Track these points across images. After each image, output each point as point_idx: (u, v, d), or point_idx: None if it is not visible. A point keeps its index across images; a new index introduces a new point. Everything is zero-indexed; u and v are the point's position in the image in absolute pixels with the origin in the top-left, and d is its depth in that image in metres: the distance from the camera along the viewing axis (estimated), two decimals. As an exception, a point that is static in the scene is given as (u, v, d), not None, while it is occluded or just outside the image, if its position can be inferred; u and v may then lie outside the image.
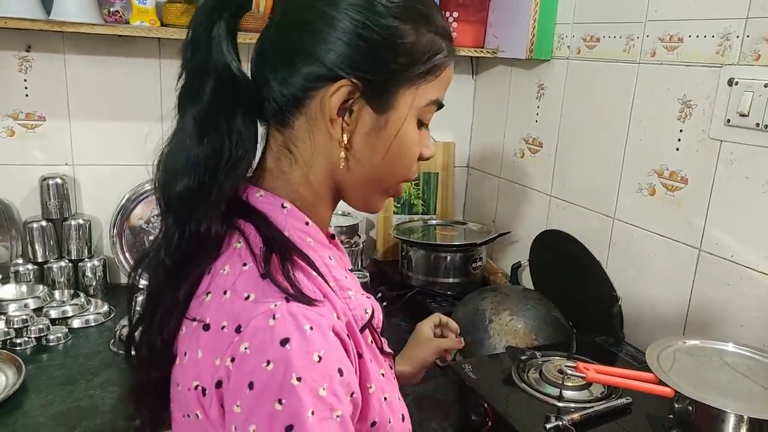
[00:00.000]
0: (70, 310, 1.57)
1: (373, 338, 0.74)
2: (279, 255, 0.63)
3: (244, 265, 0.64)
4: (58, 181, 1.65)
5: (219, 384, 0.60)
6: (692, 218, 1.29)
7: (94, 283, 1.71)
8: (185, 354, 0.64)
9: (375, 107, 0.67)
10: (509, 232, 1.81)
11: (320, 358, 0.58)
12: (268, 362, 0.57)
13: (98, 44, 1.63)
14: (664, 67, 1.33)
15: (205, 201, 0.65)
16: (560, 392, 1.16)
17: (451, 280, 1.74)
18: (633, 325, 1.44)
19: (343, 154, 0.67)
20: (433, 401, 1.31)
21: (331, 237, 0.83)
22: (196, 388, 0.62)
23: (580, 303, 1.52)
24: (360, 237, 1.87)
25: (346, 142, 0.67)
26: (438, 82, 0.70)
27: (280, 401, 0.56)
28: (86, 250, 1.71)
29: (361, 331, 0.70)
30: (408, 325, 1.61)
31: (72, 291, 1.66)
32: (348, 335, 0.65)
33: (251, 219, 0.67)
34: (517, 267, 1.74)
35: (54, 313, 1.54)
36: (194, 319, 0.64)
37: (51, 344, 1.43)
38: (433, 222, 1.96)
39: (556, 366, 1.25)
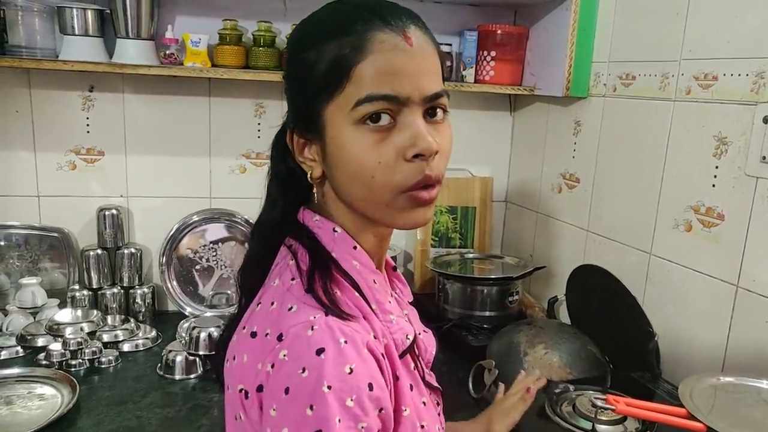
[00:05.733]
0: (120, 335, 1.64)
1: (416, 366, 0.76)
2: (322, 272, 0.69)
3: (292, 279, 0.70)
4: (114, 212, 1.74)
5: (260, 388, 0.64)
6: (729, 255, 1.29)
7: (143, 310, 1.79)
8: (234, 358, 0.69)
9: (311, 137, 0.72)
10: (545, 267, 1.82)
11: (351, 370, 0.61)
12: (304, 369, 0.61)
13: (154, 84, 1.74)
14: (700, 105, 1.35)
15: (273, 228, 0.77)
16: (593, 426, 1.17)
17: (487, 314, 1.75)
18: (670, 361, 1.43)
19: (315, 188, 0.74)
20: (468, 433, 1.32)
21: (393, 269, 0.88)
22: (240, 390, 0.67)
23: (616, 338, 1.52)
24: (397, 269, 1.90)
25: (316, 176, 0.73)
26: (358, 80, 0.66)
27: (311, 407, 0.60)
28: (137, 278, 1.79)
29: (401, 356, 0.72)
30: (444, 357, 1.62)
31: (123, 316, 1.74)
32: (383, 355, 0.68)
33: (303, 239, 0.73)
34: (554, 301, 1.75)
35: (106, 337, 1.61)
36: (244, 327, 0.70)
37: (103, 366, 1.50)
38: (471, 256, 1.98)
39: (589, 400, 1.25)
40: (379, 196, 0.68)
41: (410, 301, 0.88)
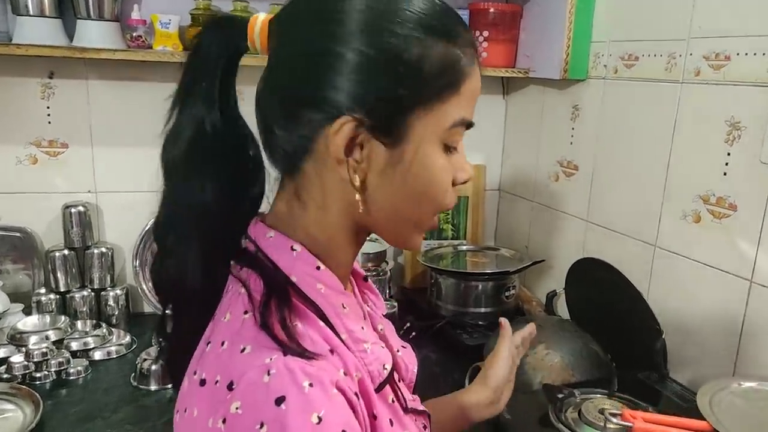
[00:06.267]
0: (91, 342, 1.53)
1: (395, 397, 0.67)
2: (279, 302, 0.58)
3: (245, 313, 0.58)
4: (81, 209, 1.62)
5: None
6: (742, 248, 1.21)
7: (116, 313, 1.67)
8: (185, 410, 0.58)
9: (385, 141, 0.59)
10: (544, 260, 1.73)
11: (320, 419, 0.51)
12: (262, 424, 0.51)
13: (121, 69, 1.61)
14: (710, 87, 1.25)
15: (201, 251, 0.62)
16: (603, 436, 1.08)
17: (482, 310, 1.66)
18: (677, 360, 1.35)
19: (358, 196, 0.61)
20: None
21: (364, 279, 0.77)
22: None
23: (620, 335, 1.44)
24: (388, 264, 1.81)
25: (359, 183, 0.60)
26: (460, 98, 0.60)
27: None
28: (109, 279, 1.68)
29: (378, 390, 0.63)
30: (437, 357, 1.55)
31: (94, 321, 1.63)
32: (357, 394, 0.58)
33: (254, 262, 0.62)
34: (552, 296, 1.66)
35: (75, 345, 1.50)
36: (195, 372, 0.59)
37: (71, 378, 1.40)
38: (464, 248, 1.89)
39: (596, 406, 1.17)
40: (419, 218, 0.64)
41: (384, 313, 0.78)
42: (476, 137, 1.96)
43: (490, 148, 2.01)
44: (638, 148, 1.45)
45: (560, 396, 1.22)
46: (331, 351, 0.58)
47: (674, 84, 1.33)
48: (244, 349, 0.56)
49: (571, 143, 1.68)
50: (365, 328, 0.65)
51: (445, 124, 0.60)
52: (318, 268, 0.62)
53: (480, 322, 1.64)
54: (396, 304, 1.57)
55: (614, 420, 0.94)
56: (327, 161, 0.60)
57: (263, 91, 0.64)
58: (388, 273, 1.72)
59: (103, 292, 1.67)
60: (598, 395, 1.23)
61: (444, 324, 1.63)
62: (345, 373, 0.57)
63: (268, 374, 0.53)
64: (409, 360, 0.76)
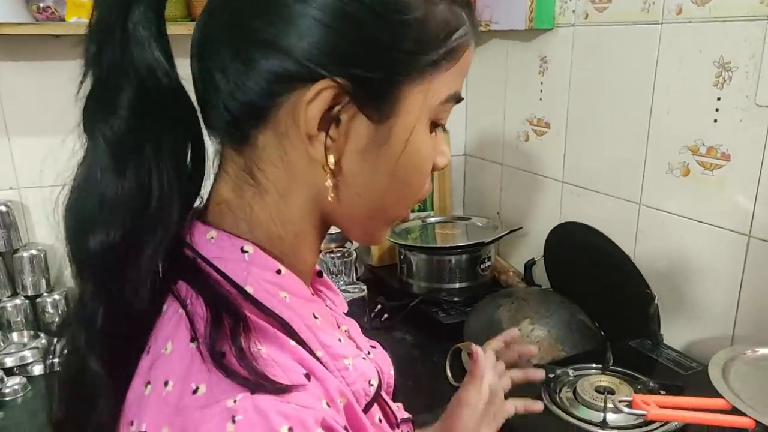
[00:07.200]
0: (29, 356, 1.36)
1: (383, 414, 0.55)
2: (233, 324, 0.44)
3: (192, 341, 0.44)
4: (2, 208, 1.43)
5: None
6: (738, 200, 1.11)
7: (57, 320, 1.50)
8: None
9: (372, 114, 0.47)
10: (521, 228, 1.62)
11: None
12: None
13: (32, 47, 1.41)
14: (694, 26, 1.14)
15: (131, 261, 0.46)
16: (604, 417, 0.98)
17: (457, 285, 1.55)
18: (670, 324, 1.26)
19: (330, 181, 0.48)
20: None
21: (318, 275, 0.64)
22: None
23: (608, 303, 1.34)
24: (352, 243, 1.67)
25: (333, 165, 0.47)
26: (458, 68, 0.50)
27: None
28: (44, 284, 1.50)
29: (366, 410, 0.51)
30: (413, 339, 1.44)
31: (32, 332, 1.46)
32: (347, 428, 0.46)
33: (194, 274, 0.48)
34: (531, 265, 1.56)
35: (10, 361, 1.33)
36: (132, 423, 0.45)
37: (7, 399, 1.24)
38: (432, 220, 1.77)
39: (592, 383, 1.07)
40: (397, 210, 0.54)
41: (346, 311, 0.66)
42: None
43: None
44: (616, 100, 1.33)
45: (552, 376, 1.12)
46: (308, 376, 0.45)
47: (653, 25, 1.21)
48: (196, 390, 0.42)
49: (541, 99, 1.56)
50: (343, 339, 0.53)
51: (439, 99, 0.50)
52: (279, 272, 0.50)
53: (455, 299, 1.52)
54: (365, 288, 1.45)
55: (626, 410, 0.83)
56: (291, 134, 0.47)
57: (204, 30, 0.49)
58: (354, 253, 1.59)
59: (38, 299, 1.49)
60: (593, 371, 1.14)
61: (417, 303, 1.51)
62: (328, 404, 0.44)
63: (233, 422, 0.40)
64: (383, 362, 0.64)
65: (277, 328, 0.47)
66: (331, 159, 0.47)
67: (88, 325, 0.47)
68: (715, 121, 1.12)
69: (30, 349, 1.39)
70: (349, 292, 1.43)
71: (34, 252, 1.49)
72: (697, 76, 1.14)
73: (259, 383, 0.41)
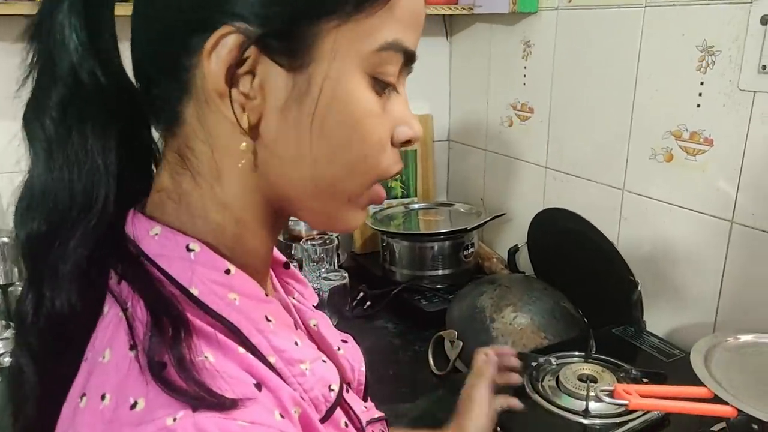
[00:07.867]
0: (1, 346, 1.34)
1: (348, 418, 0.53)
2: (174, 331, 0.41)
3: (132, 348, 0.41)
4: (-28, 195, 1.40)
5: None
6: (721, 186, 1.10)
7: (30, 310, 1.48)
8: None
9: (285, 62, 0.42)
10: (504, 214, 1.60)
11: None
12: None
13: (0, 28, 1.37)
14: (678, 9, 1.12)
15: (57, 253, 0.44)
16: (586, 406, 0.98)
17: (440, 272, 1.53)
18: (653, 310, 1.25)
19: (244, 144, 0.44)
20: (433, 419, 1.11)
21: (285, 266, 0.61)
22: None
23: (591, 289, 1.33)
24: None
25: (247, 126, 0.43)
26: (392, 14, 0.44)
27: None
28: (15, 272, 1.47)
29: (325, 419, 0.48)
30: (396, 328, 1.42)
31: (3, 322, 1.42)
32: None
33: (134, 273, 0.44)
34: (514, 251, 1.54)
35: (-19, 352, 1.31)
36: None
37: (-22, 390, 1.21)
38: (415, 206, 1.75)
39: (574, 372, 1.06)
40: (350, 183, 0.47)
41: (315, 304, 0.62)
42: (420, 84, 1.80)
43: (436, 96, 1.86)
44: (599, 84, 1.32)
45: (534, 364, 1.11)
46: (259, 386, 0.42)
47: (637, 8, 1.20)
48: (135, 405, 0.39)
49: (524, 84, 1.54)
50: (300, 342, 0.49)
51: (370, 45, 0.43)
52: (228, 271, 0.46)
53: (438, 286, 1.51)
54: (347, 276, 1.42)
55: (607, 399, 0.82)
56: (210, 101, 0.43)
57: (134, 20, 0.46)
58: (336, 240, 1.57)
59: (10, 288, 1.46)
60: (576, 359, 1.13)
61: (400, 290, 1.50)
62: (282, 415, 0.41)
63: None
64: (354, 357, 0.61)
65: (224, 333, 0.43)
66: (245, 118, 0.43)
67: (21, 319, 0.45)
68: (698, 105, 1.11)
69: (1, 339, 1.35)
70: (331, 279, 1.41)
71: (4, 239, 1.45)
72: (681, 60, 1.13)
73: (202, 398, 0.38)
